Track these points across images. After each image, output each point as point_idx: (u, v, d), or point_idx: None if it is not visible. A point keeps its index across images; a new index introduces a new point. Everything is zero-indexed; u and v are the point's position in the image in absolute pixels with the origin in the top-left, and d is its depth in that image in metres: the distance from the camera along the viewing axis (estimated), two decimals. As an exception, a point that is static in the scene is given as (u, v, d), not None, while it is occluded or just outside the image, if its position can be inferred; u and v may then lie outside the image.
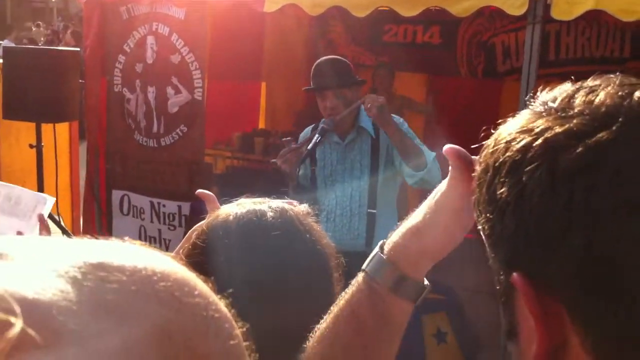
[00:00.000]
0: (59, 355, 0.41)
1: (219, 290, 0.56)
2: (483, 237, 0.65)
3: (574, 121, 0.57)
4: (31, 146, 4.99)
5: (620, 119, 0.55)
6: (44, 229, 2.28)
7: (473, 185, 0.69)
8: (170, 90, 4.94)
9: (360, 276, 0.97)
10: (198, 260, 1.12)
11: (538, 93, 0.64)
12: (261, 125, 7.38)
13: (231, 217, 1.16)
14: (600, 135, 0.55)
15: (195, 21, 4.82)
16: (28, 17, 22.46)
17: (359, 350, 0.97)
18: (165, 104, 4.98)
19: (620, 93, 0.58)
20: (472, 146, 0.76)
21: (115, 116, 5.31)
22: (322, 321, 0.99)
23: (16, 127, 5.55)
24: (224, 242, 1.13)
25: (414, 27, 6.88)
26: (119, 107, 5.25)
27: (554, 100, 0.61)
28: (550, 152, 0.56)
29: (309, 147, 3.52)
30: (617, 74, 0.62)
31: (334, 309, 0.98)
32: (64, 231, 4.62)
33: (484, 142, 0.68)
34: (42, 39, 16.63)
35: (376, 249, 0.97)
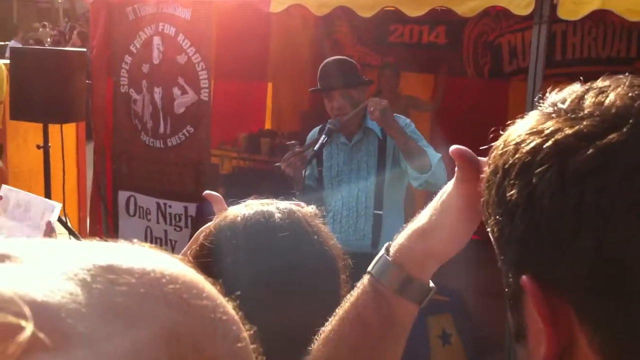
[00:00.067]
0: (68, 358, 0.41)
1: (227, 291, 0.56)
2: (492, 238, 0.65)
3: (584, 123, 0.57)
4: (38, 147, 5.01)
5: (630, 121, 0.55)
6: (51, 232, 2.30)
7: (482, 186, 0.68)
8: (176, 91, 4.95)
9: (365, 278, 0.97)
10: (206, 261, 1.12)
11: (547, 94, 0.64)
12: (267, 125, 7.38)
13: (239, 218, 1.17)
14: (610, 136, 0.54)
15: (201, 21, 4.83)
16: (34, 17, 22.53)
17: (365, 351, 0.97)
18: (171, 105, 4.99)
19: (630, 94, 0.57)
20: (481, 147, 0.76)
21: (121, 117, 5.32)
22: (327, 323, 0.99)
23: (24, 128, 5.57)
24: (231, 243, 1.14)
25: (419, 27, 6.87)
26: (126, 107, 5.26)
27: (563, 102, 0.61)
28: (561, 154, 0.56)
29: (315, 147, 3.52)
30: (627, 74, 0.61)
31: (340, 311, 0.98)
32: (72, 233, 4.63)
33: (492, 144, 0.68)
34: (48, 39, 16.67)
35: (382, 251, 0.97)
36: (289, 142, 3.71)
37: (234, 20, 5.36)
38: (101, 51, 5.39)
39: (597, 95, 0.59)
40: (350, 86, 3.57)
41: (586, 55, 6.25)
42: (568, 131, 0.57)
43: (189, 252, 1.20)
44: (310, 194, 3.53)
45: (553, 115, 0.60)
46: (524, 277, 0.59)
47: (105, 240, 0.53)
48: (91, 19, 5.69)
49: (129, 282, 0.47)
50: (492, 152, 0.67)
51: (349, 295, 0.99)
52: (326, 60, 3.69)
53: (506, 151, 0.62)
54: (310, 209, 1.23)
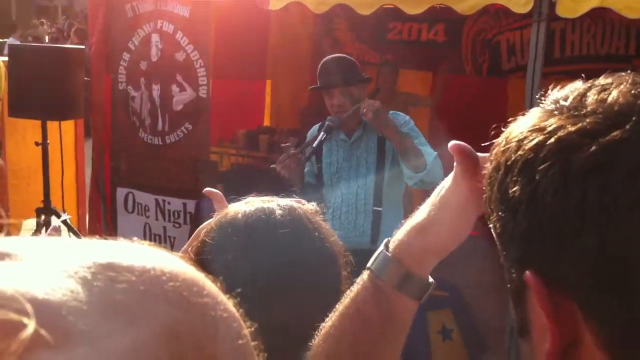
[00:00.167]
0: (69, 356, 0.41)
1: (228, 288, 0.56)
2: (494, 234, 0.65)
3: (587, 120, 0.56)
4: (37, 144, 5.01)
5: (633, 118, 0.55)
6: (55, 231, 2.30)
7: (484, 183, 0.68)
8: (175, 88, 4.94)
9: (365, 274, 0.98)
10: (207, 258, 1.12)
11: (549, 91, 0.64)
12: (266, 122, 7.39)
13: (240, 215, 1.17)
14: (613, 134, 0.54)
15: (199, 19, 4.82)
16: (32, 15, 22.49)
17: (365, 347, 0.97)
18: (170, 102, 4.98)
19: (633, 91, 0.57)
20: (482, 144, 0.76)
21: (119, 114, 5.32)
22: (327, 319, 0.99)
23: (22, 125, 5.57)
24: (232, 240, 1.14)
25: (418, 25, 6.87)
26: (124, 104, 5.26)
27: (565, 99, 0.61)
28: (563, 151, 0.56)
29: (314, 144, 3.54)
30: (629, 72, 0.61)
31: (340, 306, 0.99)
32: (71, 230, 4.63)
33: (494, 140, 0.68)
34: (47, 36, 16.65)
35: (381, 247, 0.97)
36: (283, 145, 3.72)
37: (232, 17, 5.36)
38: (100, 48, 5.38)
39: (599, 93, 0.59)
40: (350, 84, 3.57)
41: (585, 52, 6.26)
42: (571, 128, 0.57)
43: (190, 249, 1.21)
44: (309, 191, 3.54)
45: (555, 112, 0.60)
46: (527, 273, 0.59)
47: (105, 238, 0.53)
48: (89, 16, 5.68)
49: (129, 280, 0.47)
50: (494, 148, 0.66)
51: (348, 291, 0.99)
52: (326, 58, 3.69)
53: (508, 148, 0.62)
54: (311, 206, 1.23)
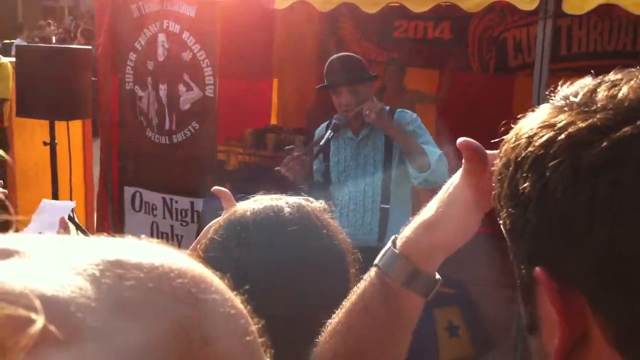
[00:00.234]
0: (77, 352, 0.41)
1: (235, 285, 0.56)
2: (504, 231, 0.65)
3: (597, 116, 0.56)
4: (45, 144, 5.03)
5: None
6: (64, 227, 2.30)
7: (493, 179, 0.68)
8: (181, 88, 4.96)
9: (372, 271, 0.98)
10: (215, 255, 1.12)
11: (559, 87, 0.64)
12: (273, 121, 7.39)
13: (248, 213, 1.17)
14: (624, 130, 0.54)
15: (205, 18, 4.83)
16: (39, 16, 22.53)
17: (372, 344, 0.97)
18: (176, 101, 5.00)
19: None
20: (491, 141, 0.76)
21: (127, 114, 5.33)
22: (334, 316, 0.99)
23: (30, 125, 5.59)
24: (241, 237, 1.14)
25: (424, 23, 6.86)
26: (131, 104, 5.27)
27: (575, 95, 0.60)
28: (574, 147, 0.56)
29: (321, 143, 3.55)
30: (639, 68, 0.61)
31: (347, 303, 0.99)
32: (80, 228, 4.64)
33: (503, 137, 0.67)
34: (53, 37, 16.69)
35: (388, 244, 0.97)
36: (287, 147, 3.73)
37: (238, 16, 5.36)
38: (106, 48, 5.40)
39: (609, 89, 0.58)
40: (357, 82, 3.58)
41: (592, 49, 6.24)
42: (581, 124, 0.56)
43: (198, 246, 1.21)
44: (317, 189, 3.54)
45: (565, 108, 0.60)
46: (537, 269, 0.59)
47: (113, 236, 0.53)
48: (96, 16, 5.70)
49: (137, 277, 0.47)
50: (504, 145, 0.66)
51: (355, 287, 1.00)
52: (332, 57, 3.70)
53: (518, 144, 0.62)
54: (319, 204, 1.23)
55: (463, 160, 0.90)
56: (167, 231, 5.19)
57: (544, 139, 0.59)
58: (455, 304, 4.57)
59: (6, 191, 2.75)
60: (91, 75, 5.09)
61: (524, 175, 0.60)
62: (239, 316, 0.53)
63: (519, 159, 0.61)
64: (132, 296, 0.46)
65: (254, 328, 0.54)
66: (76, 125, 5.60)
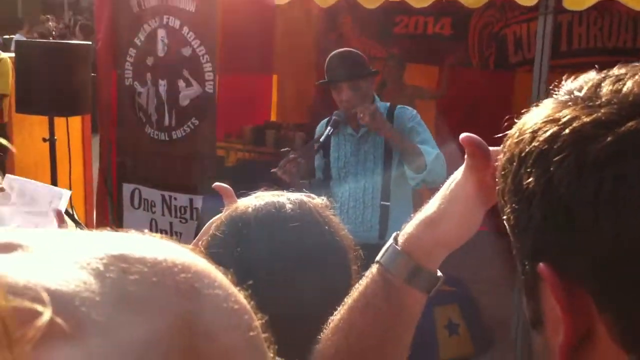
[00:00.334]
0: (82, 346, 0.41)
1: (238, 281, 0.56)
2: (507, 226, 0.64)
3: (602, 111, 0.56)
4: (44, 140, 5.02)
5: None
6: (62, 222, 2.29)
7: (497, 175, 0.68)
8: (181, 84, 4.94)
9: (374, 267, 0.98)
10: (217, 251, 1.12)
11: (563, 82, 0.63)
12: (273, 117, 7.39)
13: (250, 209, 1.17)
14: (628, 124, 0.54)
15: (205, 14, 4.82)
16: (38, 11, 22.49)
17: (374, 340, 0.97)
18: (176, 97, 4.98)
19: None
20: (493, 137, 0.76)
21: (126, 110, 5.32)
22: (336, 312, 0.99)
23: (29, 121, 5.58)
24: (242, 234, 1.14)
25: (425, 18, 6.86)
26: (130, 100, 5.26)
27: (580, 89, 0.60)
28: (579, 142, 0.56)
29: (321, 139, 3.55)
30: None
31: (349, 300, 0.99)
32: (77, 224, 4.64)
33: (506, 132, 0.67)
34: (53, 32, 16.66)
35: (390, 241, 0.97)
36: (283, 150, 3.73)
37: (238, 12, 5.35)
38: (106, 44, 5.38)
39: (614, 83, 0.58)
40: (358, 78, 3.57)
41: (592, 45, 6.24)
42: (585, 119, 0.56)
43: (200, 242, 1.21)
44: (318, 185, 3.54)
45: (569, 103, 0.60)
46: (541, 264, 0.58)
47: (115, 231, 0.53)
48: (96, 11, 5.68)
49: (141, 271, 0.47)
50: (507, 140, 0.66)
51: (357, 284, 0.99)
52: (333, 53, 3.69)
53: (522, 139, 0.62)
54: (320, 200, 1.23)
55: (465, 156, 0.90)
56: (166, 228, 5.19)
57: (548, 133, 0.58)
58: (455, 301, 4.58)
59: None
60: (91, 70, 5.08)
61: (528, 170, 0.59)
62: (243, 311, 0.53)
63: (523, 154, 0.61)
64: (136, 290, 0.46)
65: (257, 323, 0.54)
66: (75, 122, 5.60)
